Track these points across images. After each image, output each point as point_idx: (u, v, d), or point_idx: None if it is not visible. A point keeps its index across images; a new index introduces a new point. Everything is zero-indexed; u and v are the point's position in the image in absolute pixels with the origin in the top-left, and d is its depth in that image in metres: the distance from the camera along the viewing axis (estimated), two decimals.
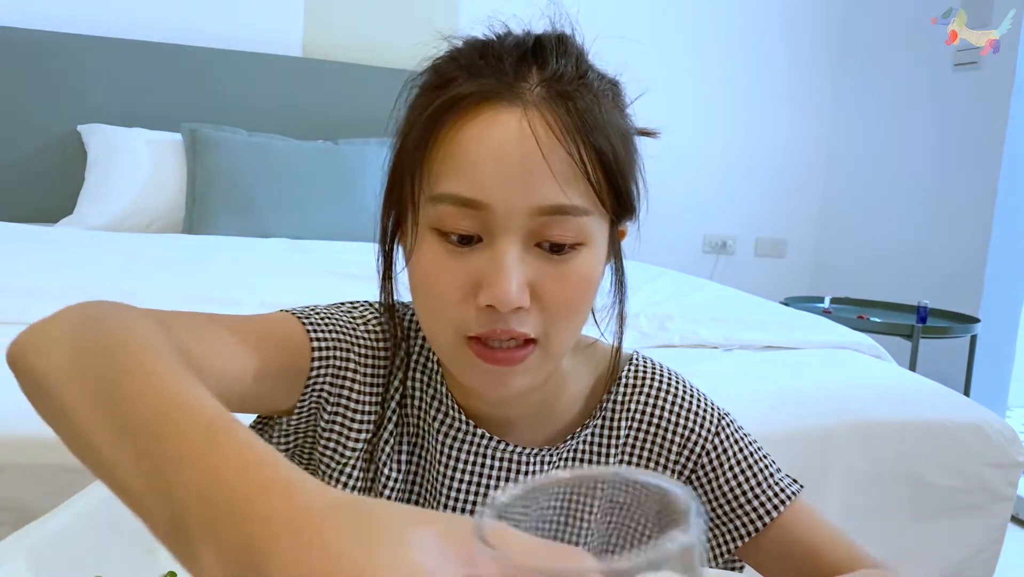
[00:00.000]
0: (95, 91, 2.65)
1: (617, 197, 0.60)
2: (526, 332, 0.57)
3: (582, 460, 0.69)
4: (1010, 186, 2.88)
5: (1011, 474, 1.44)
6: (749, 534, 0.68)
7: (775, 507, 0.68)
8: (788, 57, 3.62)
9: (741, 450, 0.70)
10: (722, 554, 0.70)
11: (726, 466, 0.69)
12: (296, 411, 0.64)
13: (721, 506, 0.69)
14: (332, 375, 0.65)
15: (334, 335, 0.65)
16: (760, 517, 0.68)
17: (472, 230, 0.56)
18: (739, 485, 0.68)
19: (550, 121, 0.56)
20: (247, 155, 2.56)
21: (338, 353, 0.65)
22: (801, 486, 0.70)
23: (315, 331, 0.64)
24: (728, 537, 0.69)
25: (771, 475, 0.69)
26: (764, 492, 0.68)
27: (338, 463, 0.66)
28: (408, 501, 0.68)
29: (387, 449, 0.68)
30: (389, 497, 0.67)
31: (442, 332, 0.59)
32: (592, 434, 0.70)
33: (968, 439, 1.41)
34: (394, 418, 0.68)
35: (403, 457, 0.67)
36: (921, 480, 1.39)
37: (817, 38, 3.65)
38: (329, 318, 0.66)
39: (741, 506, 0.68)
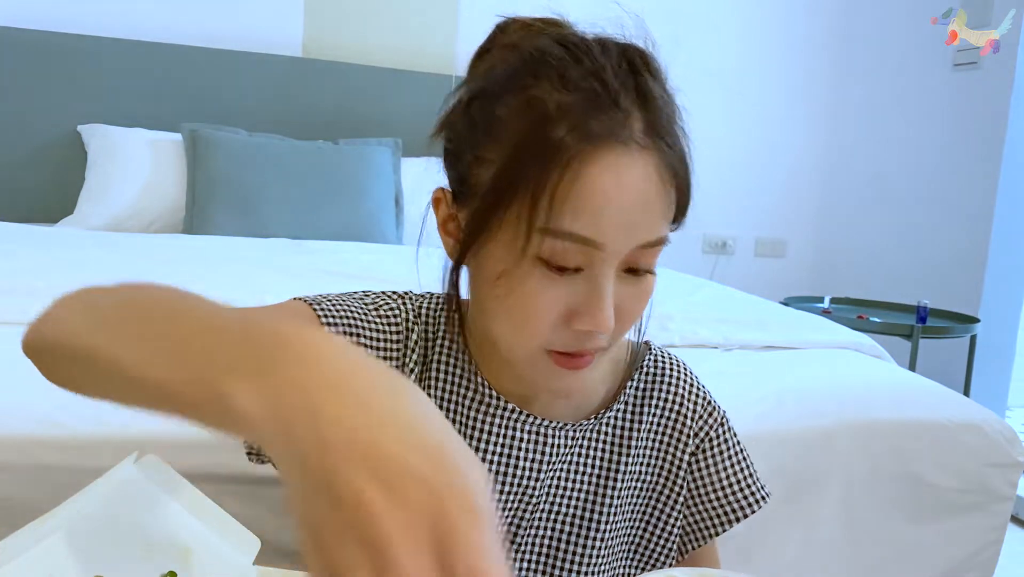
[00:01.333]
0: (95, 91, 2.65)
1: (680, 213, 0.64)
2: (603, 345, 0.61)
3: (607, 440, 0.73)
4: (1010, 186, 2.88)
5: (1011, 474, 1.44)
6: (717, 533, 0.74)
7: (747, 506, 0.74)
8: (788, 57, 3.62)
9: (732, 447, 0.76)
10: (686, 544, 0.75)
11: (720, 456, 0.75)
12: None
13: (711, 492, 0.74)
14: None
15: (344, 319, 0.66)
16: (731, 522, 0.74)
17: (579, 264, 0.59)
18: (726, 478, 0.74)
19: (659, 165, 0.59)
20: (247, 155, 2.56)
21: (347, 337, 0.66)
22: (768, 494, 0.76)
23: (325, 315, 0.65)
24: (708, 529, 0.75)
25: (751, 474, 0.76)
26: (743, 490, 0.74)
27: None
28: None
29: None
30: None
31: (525, 346, 0.62)
32: (616, 417, 0.73)
33: (968, 439, 1.41)
34: None
35: None
36: (921, 480, 1.39)
37: (817, 38, 3.65)
38: (340, 303, 0.68)
39: (725, 498, 0.74)
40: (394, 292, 0.72)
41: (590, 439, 0.71)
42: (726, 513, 0.74)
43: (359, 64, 2.96)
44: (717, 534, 0.74)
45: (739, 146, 3.59)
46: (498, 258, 0.60)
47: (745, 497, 0.74)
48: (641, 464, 0.74)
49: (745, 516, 0.74)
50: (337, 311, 0.66)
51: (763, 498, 0.75)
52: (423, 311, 0.71)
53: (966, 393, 2.68)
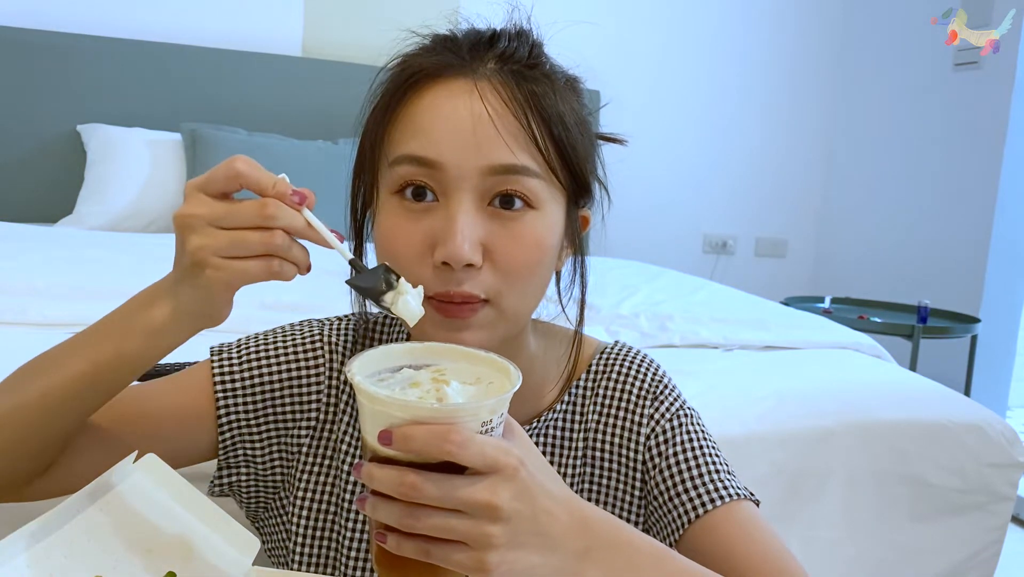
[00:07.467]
0: (95, 91, 2.65)
1: (571, 173, 0.63)
2: (477, 294, 0.60)
3: (550, 443, 0.72)
4: (1010, 186, 2.88)
5: (1011, 474, 1.44)
6: (683, 527, 0.67)
7: (703, 505, 0.66)
8: (788, 57, 3.62)
9: (691, 440, 0.70)
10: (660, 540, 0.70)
11: (671, 451, 0.70)
12: (221, 445, 0.69)
13: (662, 493, 0.69)
14: (244, 404, 0.69)
15: (246, 358, 0.70)
16: (688, 513, 0.67)
17: (432, 192, 0.61)
18: (679, 473, 0.68)
19: (500, 90, 0.60)
20: (247, 155, 2.55)
21: (247, 384, 0.69)
22: (754, 498, 0.69)
23: (220, 365, 0.69)
24: (667, 531, 0.68)
25: (716, 471, 0.68)
26: (700, 487, 0.67)
27: (290, 464, 0.71)
28: None
29: (347, 439, 0.71)
30: (348, 479, 0.71)
31: None
32: (559, 419, 0.72)
33: (968, 439, 1.41)
34: (348, 410, 0.71)
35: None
36: (921, 480, 1.39)
37: (817, 38, 3.65)
38: (246, 348, 0.71)
39: (679, 495, 0.68)
40: (326, 319, 0.74)
41: (534, 442, 0.70)
42: (679, 510, 0.67)
43: (359, 64, 2.96)
44: (678, 532, 0.67)
45: (739, 146, 3.59)
46: (375, 211, 0.65)
47: (701, 495, 0.67)
48: (586, 465, 0.72)
49: (697, 516, 0.66)
50: (239, 356, 0.70)
51: (727, 497, 0.67)
52: (366, 327, 0.74)
53: (967, 393, 2.68)
